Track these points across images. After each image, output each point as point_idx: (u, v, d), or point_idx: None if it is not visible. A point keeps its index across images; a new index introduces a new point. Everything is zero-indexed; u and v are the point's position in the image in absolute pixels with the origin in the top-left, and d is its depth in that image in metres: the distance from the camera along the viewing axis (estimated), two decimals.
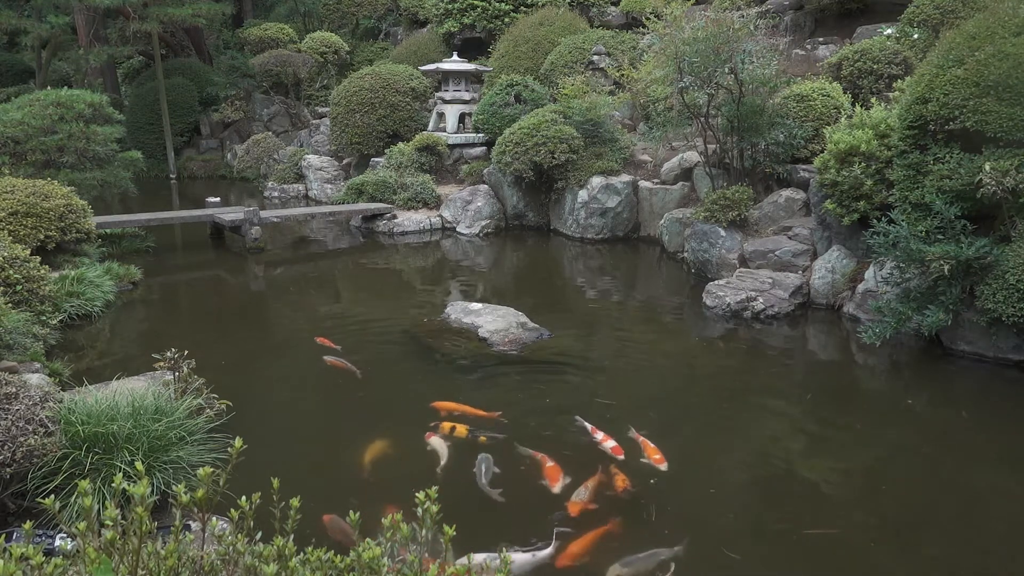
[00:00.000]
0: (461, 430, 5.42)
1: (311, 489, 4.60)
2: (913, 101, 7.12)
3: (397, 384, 6.59)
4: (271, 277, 10.73)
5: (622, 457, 5.05)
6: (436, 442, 5.28)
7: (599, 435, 5.34)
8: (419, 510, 2.11)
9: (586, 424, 5.50)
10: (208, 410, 4.90)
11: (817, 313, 8.55)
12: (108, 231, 11.21)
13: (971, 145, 6.79)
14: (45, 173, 10.56)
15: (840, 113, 10.06)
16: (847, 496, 4.83)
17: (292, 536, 2.10)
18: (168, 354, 5.35)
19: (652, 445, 5.20)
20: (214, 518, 2.16)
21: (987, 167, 6.45)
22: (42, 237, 8.74)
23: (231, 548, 2.05)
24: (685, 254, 10.43)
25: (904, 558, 4.18)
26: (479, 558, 3.71)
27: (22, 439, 3.78)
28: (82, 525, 1.91)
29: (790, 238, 9.40)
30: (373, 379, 6.58)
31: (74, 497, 3.59)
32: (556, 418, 5.81)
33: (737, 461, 5.28)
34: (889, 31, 11.76)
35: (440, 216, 13.44)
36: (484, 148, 14.51)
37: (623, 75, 13.44)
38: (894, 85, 9.37)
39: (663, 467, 4.98)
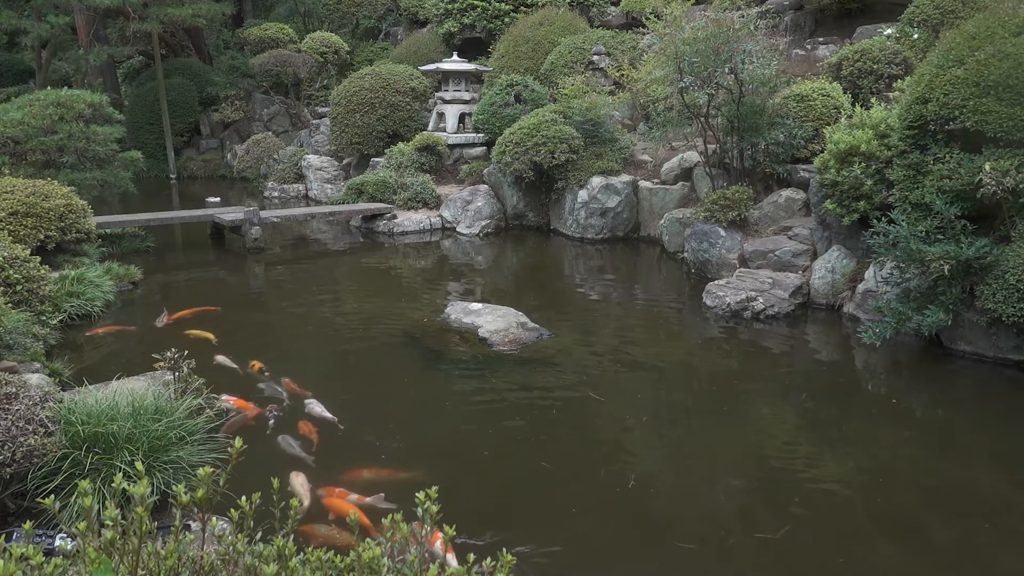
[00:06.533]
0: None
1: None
2: (913, 101, 7.12)
3: (396, 385, 6.59)
4: (271, 277, 10.72)
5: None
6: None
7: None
8: (419, 510, 2.12)
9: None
10: (208, 410, 4.91)
11: (817, 313, 8.54)
12: (108, 231, 11.20)
13: (971, 145, 6.79)
14: (45, 173, 10.56)
15: (840, 113, 10.05)
16: (843, 496, 4.83)
17: (292, 536, 2.10)
18: (168, 354, 5.35)
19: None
20: (214, 518, 2.16)
21: (987, 167, 6.45)
22: (42, 237, 8.73)
23: (231, 548, 2.05)
24: (685, 254, 10.43)
25: (901, 557, 4.18)
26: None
27: (22, 439, 3.78)
28: (82, 525, 1.90)
29: (790, 238, 9.40)
30: (373, 380, 6.57)
31: (74, 497, 3.58)
32: (555, 419, 5.80)
33: (732, 461, 5.28)
34: (889, 31, 11.74)
35: (440, 216, 13.43)
36: (484, 148, 14.50)
37: (623, 75, 13.43)
38: (894, 85, 9.36)
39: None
